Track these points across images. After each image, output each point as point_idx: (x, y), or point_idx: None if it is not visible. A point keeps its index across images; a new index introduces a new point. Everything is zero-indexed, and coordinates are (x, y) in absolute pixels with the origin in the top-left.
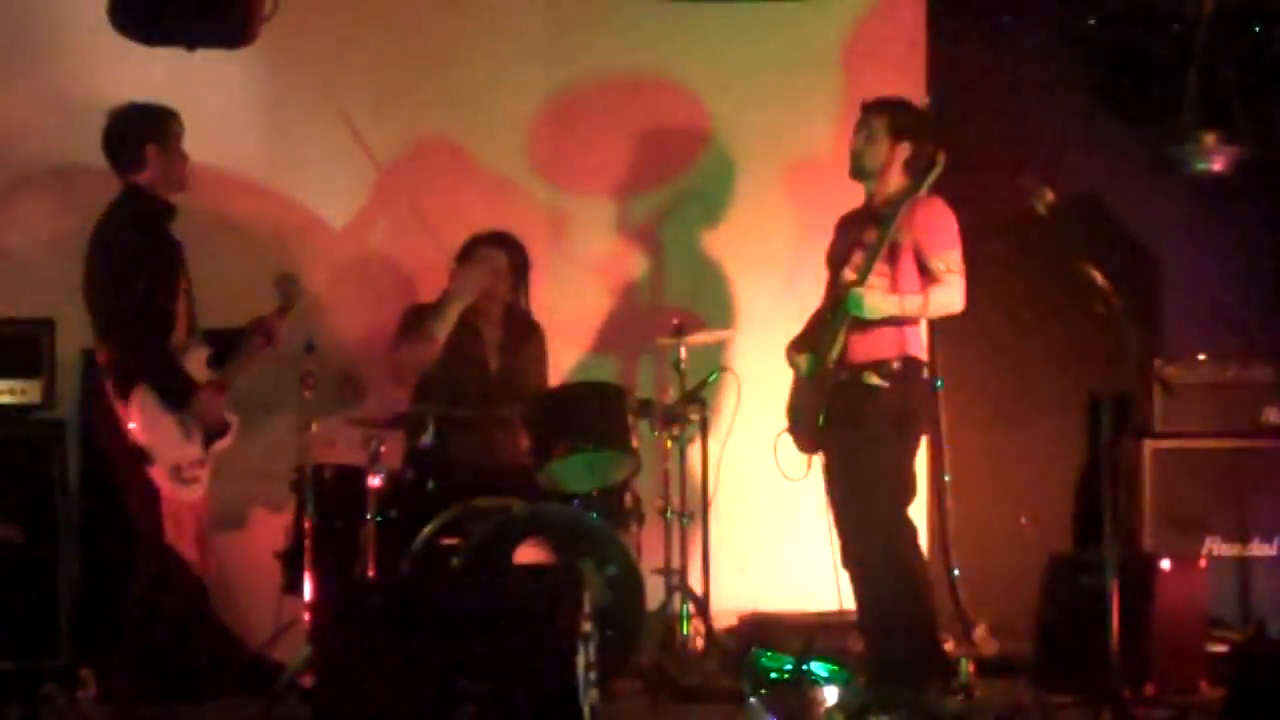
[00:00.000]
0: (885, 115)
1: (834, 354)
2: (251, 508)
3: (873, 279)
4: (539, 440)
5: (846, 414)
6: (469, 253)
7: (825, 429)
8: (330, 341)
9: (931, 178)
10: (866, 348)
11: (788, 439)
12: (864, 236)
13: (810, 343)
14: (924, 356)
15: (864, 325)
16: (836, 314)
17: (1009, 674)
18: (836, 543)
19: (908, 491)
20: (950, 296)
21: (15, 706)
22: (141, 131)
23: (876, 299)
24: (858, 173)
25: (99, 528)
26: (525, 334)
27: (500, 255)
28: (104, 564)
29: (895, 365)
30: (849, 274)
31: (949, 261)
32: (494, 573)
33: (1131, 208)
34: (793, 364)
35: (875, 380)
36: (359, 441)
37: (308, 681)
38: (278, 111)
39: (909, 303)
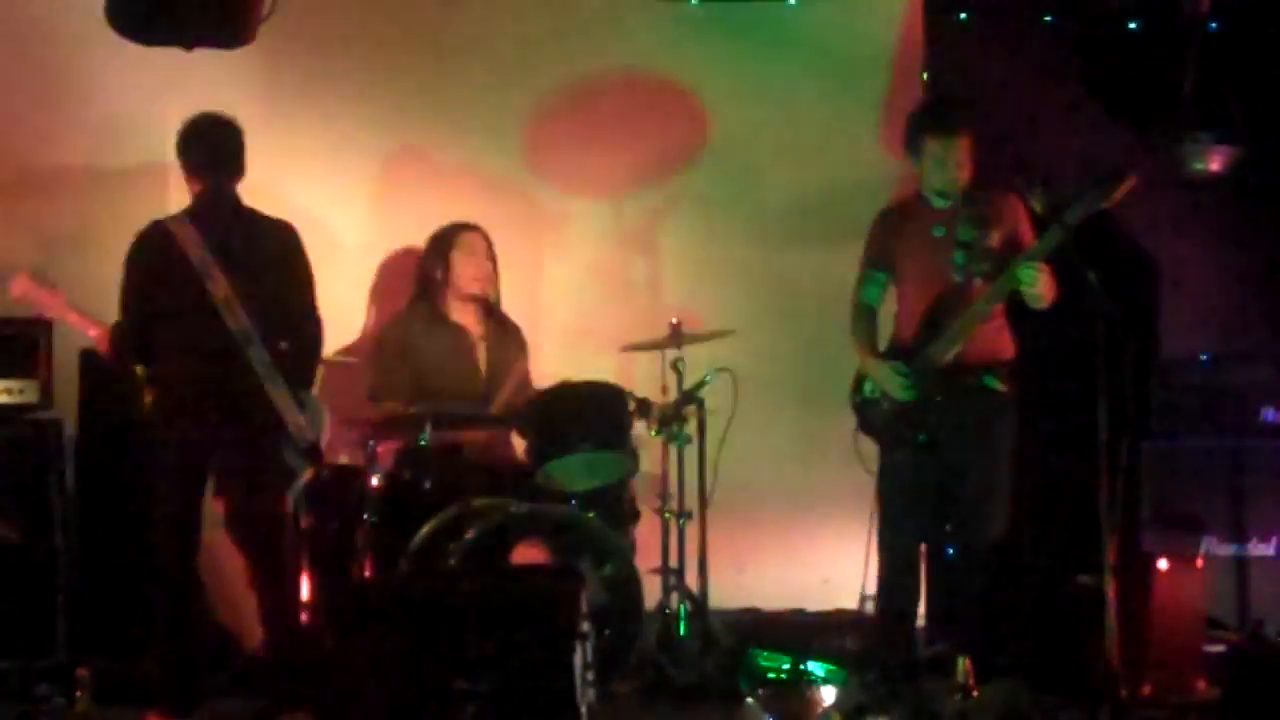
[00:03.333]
0: (971, 133)
1: (952, 352)
2: None
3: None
4: (537, 440)
5: (967, 417)
6: (449, 240)
7: (938, 430)
8: (329, 341)
9: (1119, 192)
10: (984, 347)
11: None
12: (957, 233)
13: (921, 341)
14: None
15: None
16: (974, 308)
17: (1008, 674)
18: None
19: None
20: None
21: (13, 706)
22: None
23: (1046, 291)
24: (953, 194)
25: (98, 528)
26: (507, 330)
27: (485, 241)
28: (103, 564)
29: (1010, 367)
30: (1031, 273)
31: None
32: (492, 573)
33: (1131, 208)
34: (887, 372)
35: (997, 384)
36: (357, 441)
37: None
38: (275, 112)
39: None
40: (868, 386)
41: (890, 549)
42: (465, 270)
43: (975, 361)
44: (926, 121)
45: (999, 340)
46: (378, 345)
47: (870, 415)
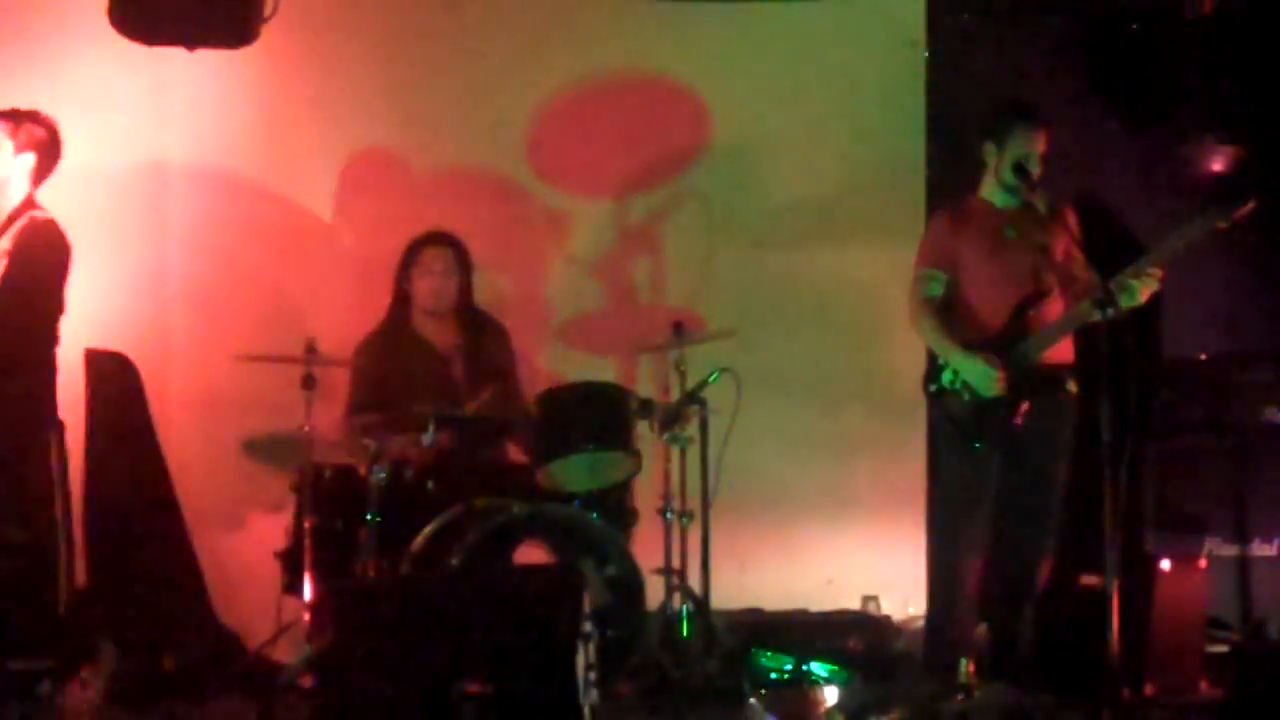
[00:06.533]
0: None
1: (1044, 351)
2: (251, 508)
3: (1053, 280)
4: (539, 440)
5: (1048, 417)
6: (414, 256)
7: (1020, 428)
8: (330, 342)
9: (1242, 212)
10: (1063, 349)
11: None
12: (1041, 239)
13: (1009, 338)
14: None
15: None
16: (1079, 309)
17: (1009, 674)
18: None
19: None
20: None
21: (15, 706)
22: None
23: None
24: (1025, 189)
25: (99, 528)
26: (483, 330)
27: (449, 255)
28: (104, 564)
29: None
30: (1139, 277)
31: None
32: (494, 573)
33: (1131, 208)
34: (980, 368)
35: (1072, 386)
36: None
37: (308, 681)
38: (277, 112)
39: None
40: (946, 376)
41: (958, 536)
42: (422, 288)
43: (1059, 362)
44: (1019, 110)
45: (1068, 343)
46: (354, 361)
47: (949, 405)
